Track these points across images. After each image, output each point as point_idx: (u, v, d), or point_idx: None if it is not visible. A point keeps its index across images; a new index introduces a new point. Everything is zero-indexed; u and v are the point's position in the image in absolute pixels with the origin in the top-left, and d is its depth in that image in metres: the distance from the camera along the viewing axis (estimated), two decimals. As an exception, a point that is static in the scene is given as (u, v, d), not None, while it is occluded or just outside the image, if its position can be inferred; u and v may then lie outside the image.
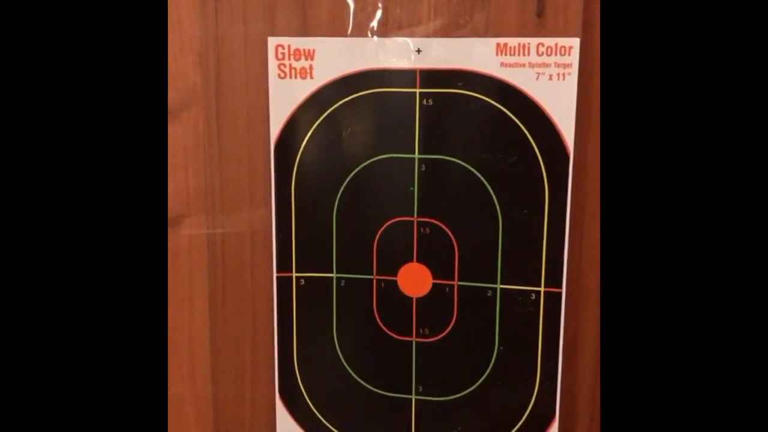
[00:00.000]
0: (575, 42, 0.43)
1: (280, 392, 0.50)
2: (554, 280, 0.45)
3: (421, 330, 0.48)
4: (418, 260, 0.47)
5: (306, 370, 0.49)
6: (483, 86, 0.44)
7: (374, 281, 0.48)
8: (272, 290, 0.49)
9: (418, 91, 0.45)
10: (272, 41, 0.46)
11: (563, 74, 0.43)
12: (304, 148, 0.47)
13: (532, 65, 0.43)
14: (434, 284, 0.47)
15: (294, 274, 0.48)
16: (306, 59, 0.45)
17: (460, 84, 0.44)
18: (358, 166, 0.46)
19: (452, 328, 0.47)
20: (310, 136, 0.46)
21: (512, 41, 0.43)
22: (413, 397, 0.48)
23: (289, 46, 0.45)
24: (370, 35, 0.45)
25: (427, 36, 0.44)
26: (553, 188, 0.44)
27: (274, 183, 0.47)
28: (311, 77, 0.46)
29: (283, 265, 0.48)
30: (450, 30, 0.44)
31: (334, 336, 0.49)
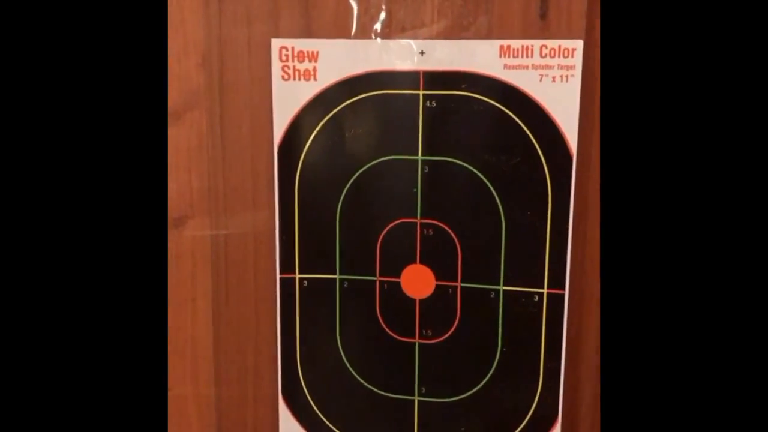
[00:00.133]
0: (578, 44, 0.43)
1: (283, 393, 0.50)
2: (557, 281, 0.45)
3: (424, 331, 0.48)
4: (421, 262, 0.47)
5: (309, 371, 0.49)
6: (486, 88, 0.44)
7: (377, 282, 0.48)
8: (275, 291, 0.49)
9: (421, 92, 0.45)
10: (276, 43, 0.46)
11: (566, 76, 0.43)
12: (308, 149, 0.47)
13: (535, 67, 0.43)
14: (437, 286, 0.47)
15: (297, 276, 0.48)
16: (309, 61, 0.45)
17: (463, 86, 0.44)
18: (361, 167, 0.46)
19: (455, 329, 0.47)
20: (314, 138, 0.46)
21: (515, 43, 0.43)
22: (416, 399, 0.48)
23: (292, 48, 0.45)
24: (373, 37, 0.45)
25: (431, 38, 0.44)
26: (556, 190, 0.44)
27: (277, 184, 0.47)
28: (315, 79, 0.46)
29: (287, 266, 0.48)
30: (453, 32, 0.44)
31: (337, 337, 0.49)
